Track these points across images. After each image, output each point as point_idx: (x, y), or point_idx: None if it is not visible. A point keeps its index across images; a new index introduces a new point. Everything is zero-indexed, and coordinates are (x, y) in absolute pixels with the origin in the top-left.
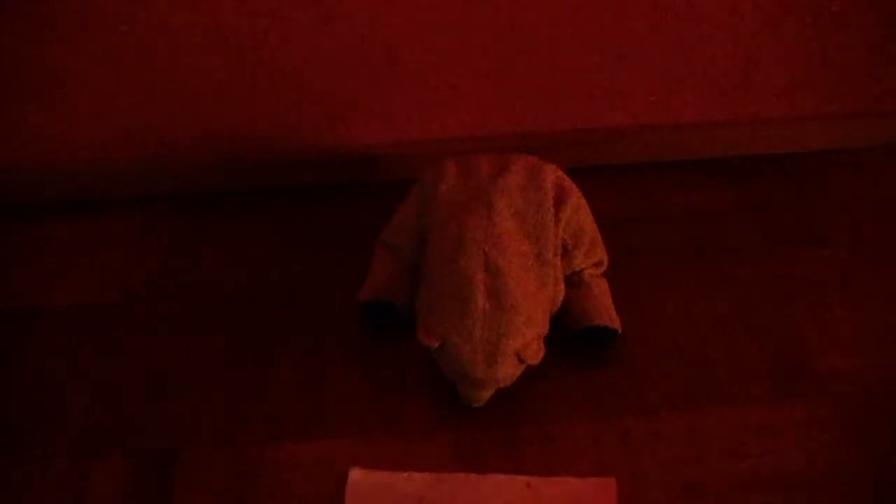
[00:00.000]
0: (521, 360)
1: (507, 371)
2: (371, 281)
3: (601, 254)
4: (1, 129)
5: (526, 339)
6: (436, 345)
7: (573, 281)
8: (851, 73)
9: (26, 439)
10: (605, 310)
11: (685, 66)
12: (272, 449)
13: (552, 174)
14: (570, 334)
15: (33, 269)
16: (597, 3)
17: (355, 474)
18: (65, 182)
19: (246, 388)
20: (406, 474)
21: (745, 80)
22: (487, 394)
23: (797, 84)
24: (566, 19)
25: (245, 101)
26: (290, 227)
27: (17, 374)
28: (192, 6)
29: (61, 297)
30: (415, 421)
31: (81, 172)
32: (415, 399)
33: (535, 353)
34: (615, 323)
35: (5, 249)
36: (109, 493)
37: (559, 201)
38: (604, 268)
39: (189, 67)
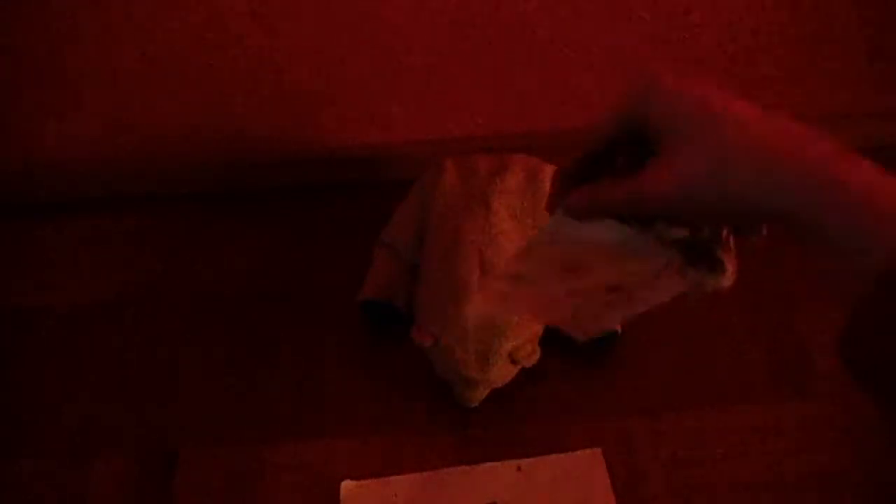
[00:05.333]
0: (514, 362)
1: (500, 372)
2: (370, 280)
3: None
4: (1, 129)
5: (519, 341)
6: (428, 343)
7: None
8: (851, 73)
9: (26, 439)
10: None
11: (684, 66)
12: (272, 449)
13: (552, 175)
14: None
15: (32, 269)
16: (595, 3)
17: (346, 487)
18: (63, 182)
19: (246, 388)
20: (397, 477)
21: (744, 80)
22: (481, 394)
23: (796, 84)
24: (566, 19)
25: (244, 102)
26: (289, 227)
27: (17, 374)
28: (191, 6)
29: (60, 297)
30: (415, 421)
31: (79, 172)
32: (415, 399)
33: (529, 355)
34: None
35: (5, 249)
36: (109, 493)
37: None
38: None
39: (188, 67)
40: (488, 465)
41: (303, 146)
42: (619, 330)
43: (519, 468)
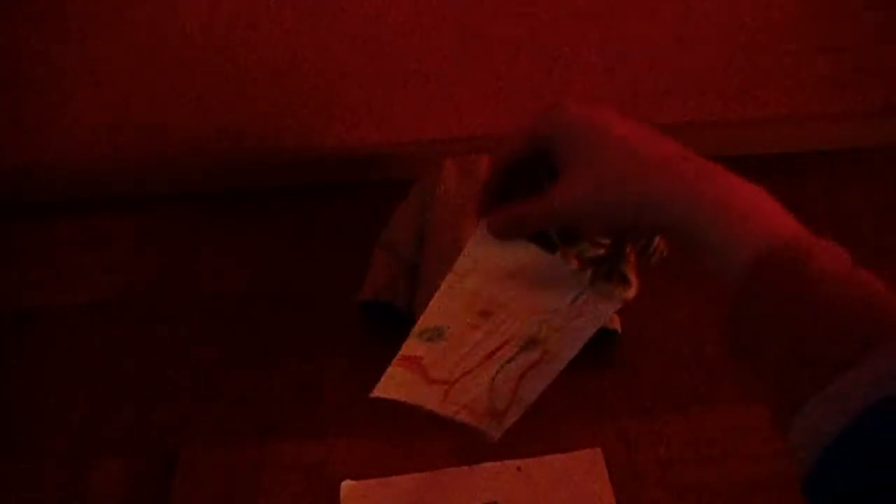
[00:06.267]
0: None
1: None
2: (370, 281)
3: None
4: (1, 129)
5: None
6: None
7: None
8: (851, 72)
9: (26, 439)
10: None
11: (684, 65)
12: (272, 449)
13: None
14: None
15: (34, 268)
16: (595, 4)
17: (346, 487)
18: (65, 182)
19: (246, 388)
20: (397, 477)
21: (745, 80)
22: None
23: (797, 84)
24: (565, 20)
25: (245, 102)
26: (289, 226)
27: (17, 374)
28: (192, 7)
29: (61, 297)
30: (414, 421)
31: (81, 172)
32: None
33: None
34: (614, 323)
35: (5, 249)
36: (109, 493)
37: None
38: None
39: (188, 68)
40: (488, 465)
41: (303, 146)
42: (619, 330)
43: (519, 468)
